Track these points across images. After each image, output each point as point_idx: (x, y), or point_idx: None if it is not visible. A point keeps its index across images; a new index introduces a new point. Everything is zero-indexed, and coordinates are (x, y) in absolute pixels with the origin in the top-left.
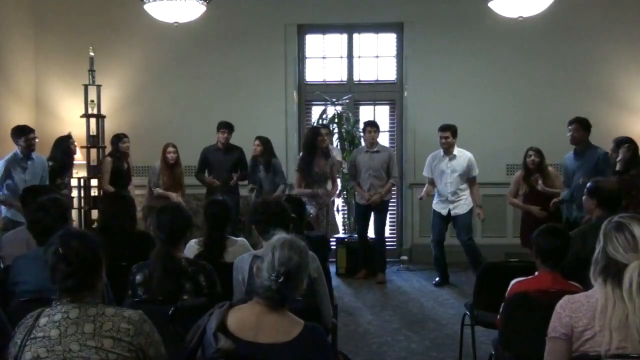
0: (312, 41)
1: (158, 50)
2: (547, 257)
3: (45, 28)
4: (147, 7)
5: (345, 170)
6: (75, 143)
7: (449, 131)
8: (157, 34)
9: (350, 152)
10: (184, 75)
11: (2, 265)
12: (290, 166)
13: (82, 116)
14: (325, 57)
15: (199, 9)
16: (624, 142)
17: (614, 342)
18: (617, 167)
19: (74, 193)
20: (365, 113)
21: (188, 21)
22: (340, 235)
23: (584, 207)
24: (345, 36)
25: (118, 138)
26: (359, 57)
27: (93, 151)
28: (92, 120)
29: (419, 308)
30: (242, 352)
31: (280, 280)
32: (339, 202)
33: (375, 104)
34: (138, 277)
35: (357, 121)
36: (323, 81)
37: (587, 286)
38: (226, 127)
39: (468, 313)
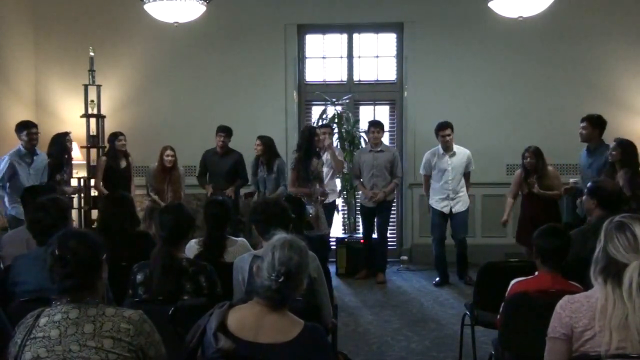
0: (312, 41)
1: (158, 50)
2: (547, 257)
3: (45, 28)
4: (147, 7)
5: (345, 170)
6: (71, 139)
7: (450, 128)
8: (157, 34)
9: (351, 152)
10: (184, 75)
11: (2, 266)
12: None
13: (82, 116)
14: (325, 57)
15: (199, 9)
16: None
17: (613, 342)
18: (625, 191)
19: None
20: (365, 113)
21: (188, 21)
22: (340, 235)
23: (584, 207)
24: (345, 36)
25: (114, 136)
26: (359, 57)
27: (93, 151)
28: (92, 120)
29: (419, 308)
30: (242, 352)
31: (280, 280)
32: (339, 202)
33: (375, 104)
34: (138, 277)
35: (357, 121)
36: (323, 81)
37: (587, 286)
38: (223, 131)
39: (468, 313)
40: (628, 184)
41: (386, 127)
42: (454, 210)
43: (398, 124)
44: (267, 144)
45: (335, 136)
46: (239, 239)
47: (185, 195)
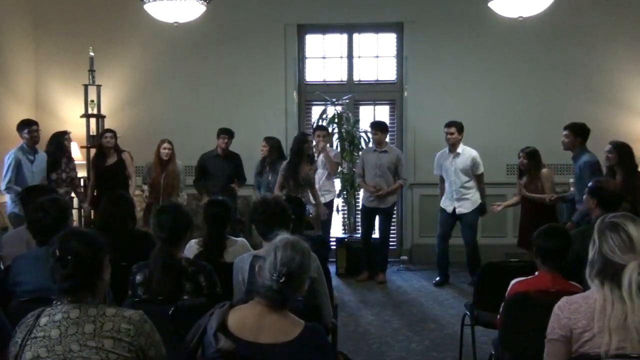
0: (312, 41)
1: (158, 50)
2: (547, 257)
3: (45, 28)
4: (147, 7)
5: (345, 171)
6: (70, 138)
7: (454, 127)
8: (157, 34)
9: (351, 152)
10: (184, 76)
11: (2, 266)
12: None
13: (82, 116)
14: (325, 57)
15: (199, 9)
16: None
17: (613, 342)
18: None
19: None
20: (365, 113)
21: (188, 21)
22: (340, 235)
23: (585, 206)
24: (345, 36)
25: (101, 134)
26: (359, 57)
27: (93, 151)
28: (92, 120)
29: (419, 308)
30: (242, 352)
31: (281, 281)
32: (339, 202)
33: (375, 104)
34: (138, 277)
35: (357, 121)
36: (323, 81)
37: (587, 286)
38: (227, 133)
39: (468, 313)
40: (622, 185)
41: None
42: (457, 211)
43: (398, 124)
44: (273, 145)
45: (335, 136)
46: (239, 239)
47: (185, 195)
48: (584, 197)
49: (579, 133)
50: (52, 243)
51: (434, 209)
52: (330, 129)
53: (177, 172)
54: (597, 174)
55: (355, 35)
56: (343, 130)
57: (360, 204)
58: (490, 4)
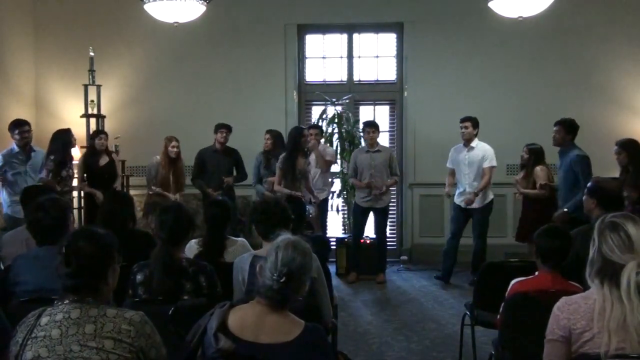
0: (312, 41)
1: (158, 50)
2: (547, 257)
3: (45, 28)
4: (147, 7)
5: (345, 171)
6: (73, 136)
7: (469, 121)
8: (157, 34)
9: (351, 152)
10: (184, 75)
11: (2, 266)
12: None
13: (82, 116)
14: (325, 57)
15: (199, 9)
16: (624, 146)
17: (612, 343)
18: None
19: (74, 193)
20: (365, 113)
21: (188, 21)
22: (340, 235)
23: (584, 206)
24: (345, 36)
25: (94, 135)
26: (359, 57)
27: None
28: (92, 120)
29: (419, 308)
30: (242, 352)
31: (282, 281)
32: (338, 202)
33: (375, 104)
34: (138, 277)
35: (357, 121)
36: (323, 81)
37: (587, 286)
38: (225, 127)
39: (468, 313)
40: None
41: (386, 127)
42: (468, 206)
43: (398, 124)
44: (277, 138)
45: (335, 136)
46: (239, 239)
47: (184, 194)
48: (584, 197)
49: (570, 129)
50: (64, 239)
51: (434, 209)
52: (330, 129)
53: (183, 169)
54: (587, 169)
55: (355, 35)
56: (343, 130)
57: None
58: (490, 4)
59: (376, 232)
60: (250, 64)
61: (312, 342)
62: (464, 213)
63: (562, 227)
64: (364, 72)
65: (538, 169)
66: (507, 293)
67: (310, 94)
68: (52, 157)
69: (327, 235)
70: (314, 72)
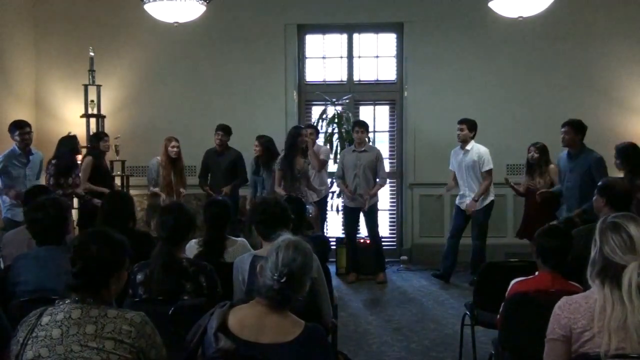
0: (312, 41)
1: (158, 50)
2: (547, 257)
3: (45, 28)
4: (147, 7)
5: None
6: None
7: (464, 124)
8: (157, 34)
9: None
10: (184, 75)
11: (2, 266)
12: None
13: (82, 116)
14: (325, 57)
15: (199, 9)
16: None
17: (613, 343)
18: None
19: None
20: (365, 113)
21: (188, 21)
22: (340, 235)
23: (594, 206)
24: (345, 36)
25: (99, 137)
26: (359, 57)
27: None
28: (92, 120)
29: (419, 308)
30: (242, 352)
31: (282, 281)
32: (338, 202)
33: (375, 104)
34: (139, 277)
35: None
36: (323, 81)
37: (587, 285)
38: (221, 129)
39: (468, 313)
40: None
41: (386, 127)
42: (470, 212)
43: (398, 124)
44: (265, 144)
45: (335, 136)
46: (239, 239)
47: (184, 194)
48: (594, 197)
49: (579, 130)
50: (77, 237)
51: (434, 209)
52: (330, 129)
53: (184, 168)
54: (605, 171)
55: (355, 35)
56: (343, 130)
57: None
58: (490, 4)
59: (368, 233)
60: (250, 64)
61: (312, 342)
62: (464, 214)
63: (563, 227)
64: (364, 72)
65: (552, 166)
66: (507, 293)
67: (310, 94)
68: (53, 162)
69: (327, 235)
70: (314, 72)
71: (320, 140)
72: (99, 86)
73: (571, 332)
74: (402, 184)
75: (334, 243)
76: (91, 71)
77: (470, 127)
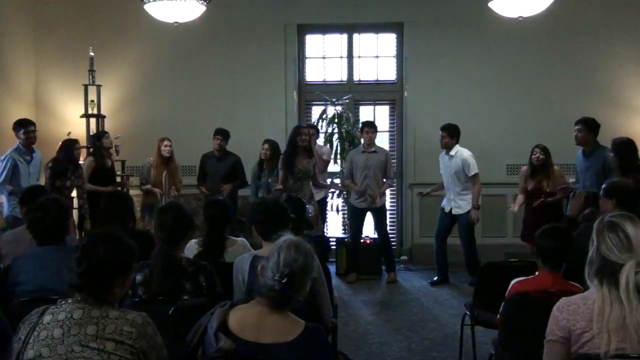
0: (312, 41)
1: (158, 50)
2: (547, 258)
3: (45, 28)
4: (147, 7)
5: (345, 170)
6: (79, 146)
7: (445, 131)
8: (157, 34)
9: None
10: (184, 75)
11: (1, 265)
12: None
13: (82, 116)
14: (325, 57)
15: (199, 9)
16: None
17: (612, 343)
18: None
19: (74, 193)
20: (365, 113)
21: (188, 21)
22: (340, 235)
23: (601, 209)
24: (345, 36)
25: (100, 135)
26: (359, 57)
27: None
28: (92, 120)
29: (419, 308)
30: (243, 351)
31: (283, 281)
32: (338, 202)
33: (375, 104)
34: (138, 277)
35: (357, 121)
36: (323, 81)
37: (587, 286)
38: (220, 134)
39: (468, 313)
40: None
41: (386, 127)
42: (454, 211)
43: (398, 124)
44: (275, 147)
45: (335, 136)
46: (239, 239)
47: (184, 194)
48: (600, 200)
49: (592, 128)
50: (88, 235)
51: (433, 209)
52: (330, 129)
53: (178, 167)
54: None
55: (355, 35)
56: (343, 130)
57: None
58: (490, 4)
59: (378, 233)
60: (250, 64)
61: (312, 342)
62: (449, 216)
63: (563, 228)
64: (364, 72)
65: (557, 168)
66: (507, 293)
67: (310, 94)
68: (49, 165)
69: (327, 235)
70: (314, 72)
71: (320, 140)
72: (99, 86)
73: (570, 334)
74: (402, 184)
75: (334, 243)
76: (91, 71)
77: (451, 133)
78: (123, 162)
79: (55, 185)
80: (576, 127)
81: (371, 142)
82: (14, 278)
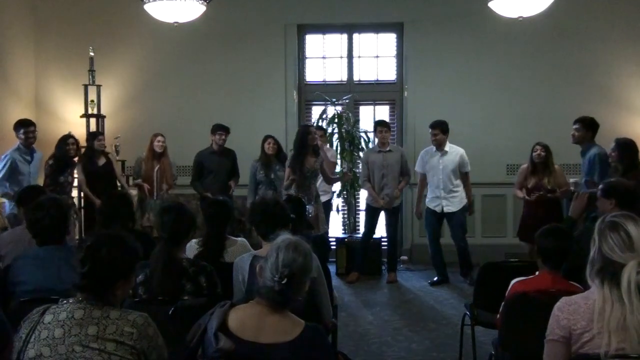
0: (312, 41)
1: (158, 50)
2: (548, 258)
3: (45, 28)
4: (147, 7)
5: (345, 170)
6: (74, 142)
7: (438, 128)
8: (157, 34)
9: (351, 152)
10: (184, 75)
11: (1, 266)
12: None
13: (82, 116)
14: (325, 57)
15: (199, 9)
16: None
17: (612, 343)
18: None
19: (74, 193)
20: (365, 113)
21: (188, 21)
22: (340, 235)
23: (599, 209)
24: (345, 36)
25: (93, 136)
26: (359, 57)
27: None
28: (92, 120)
29: (419, 308)
30: (242, 352)
31: (283, 282)
32: (339, 202)
33: (375, 104)
34: (139, 277)
35: (357, 121)
36: (323, 81)
37: (587, 285)
38: (222, 129)
39: (468, 313)
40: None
41: None
42: (445, 209)
43: (398, 124)
44: (278, 142)
45: (335, 136)
46: (239, 239)
47: (184, 194)
48: (598, 201)
49: (589, 127)
50: (93, 235)
51: None
52: (330, 129)
53: (171, 164)
54: (606, 167)
55: (355, 35)
56: (343, 130)
57: (359, 203)
58: (490, 4)
59: (387, 232)
60: (250, 64)
61: (312, 342)
62: (439, 216)
63: (564, 228)
64: (364, 72)
65: (557, 167)
66: (507, 293)
67: (310, 94)
68: (50, 163)
69: (327, 235)
70: (314, 72)
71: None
72: (99, 86)
73: (571, 333)
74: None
75: (334, 243)
76: (91, 71)
77: (444, 130)
78: (123, 162)
79: (58, 181)
80: (574, 126)
81: (385, 142)
82: (14, 278)
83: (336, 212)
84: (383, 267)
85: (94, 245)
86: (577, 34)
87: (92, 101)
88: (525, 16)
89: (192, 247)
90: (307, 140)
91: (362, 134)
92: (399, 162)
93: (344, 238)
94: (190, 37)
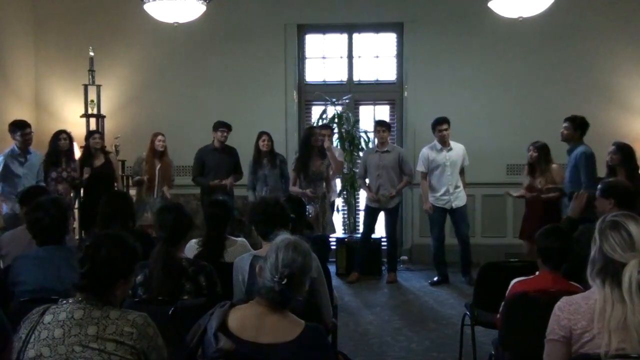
0: (312, 41)
1: (158, 50)
2: (548, 258)
3: (45, 28)
4: (147, 7)
5: (345, 170)
6: (67, 137)
7: (446, 123)
8: (157, 34)
9: (351, 152)
10: (184, 75)
11: (1, 265)
12: (290, 166)
13: (82, 116)
14: (325, 57)
15: (199, 9)
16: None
17: (613, 343)
18: None
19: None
20: (365, 113)
21: (188, 21)
22: (340, 235)
23: (598, 209)
24: (345, 36)
25: (89, 135)
26: (359, 57)
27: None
28: (92, 120)
29: (419, 308)
30: (242, 352)
31: (283, 282)
32: (339, 202)
33: (375, 104)
34: (138, 277)
35: (357, 121)
36: (323, 81)
37: (587, 285)
38: (225, 126)
39: (468, 313)
40: None
41: None
42: (454, 205)
43: (398, 124)
44: (272, 138)
45: (336, 136)
46: (239, 239)
47: (184, 194)
48: (597, 199)
49: (579, 126)
50: (93, 235)
51: None
52: (332, 129)
53: (171, 164)
54: (592, 166)
55: (355, 35)
56: (343, 130)
57: (359, 204)
58: (490, 4)
59: (387, 232)
60: (250, 64)
61: (312, 342)
62: (445, 215)
63: (564, 228)
64: (364, 72)
65: (555, 166)
66: (507, 293)
67: (310, 94)
68: (44, 159)
69: (327, 235)
70: (314, 72)
71: None
72: (99, 86)
73: (571, 333)
74: None
75: (334, 243)
76: (91, 71)
77: (450, 125)
78: (123, 162)
79: (50, 176)
80: (564, 124)
81: (384, 142)
82: (14, 278)
83: (336, 212)
84: (383, 267)
85: (93, 245)
86: (577, 34)
87: (92, 101)
88: (525, 16)
89: (192, 247)
90: (311, 141)
91: (362, 134)
92: (396, 163)
93: (344, 238)
94: (190, 37)
